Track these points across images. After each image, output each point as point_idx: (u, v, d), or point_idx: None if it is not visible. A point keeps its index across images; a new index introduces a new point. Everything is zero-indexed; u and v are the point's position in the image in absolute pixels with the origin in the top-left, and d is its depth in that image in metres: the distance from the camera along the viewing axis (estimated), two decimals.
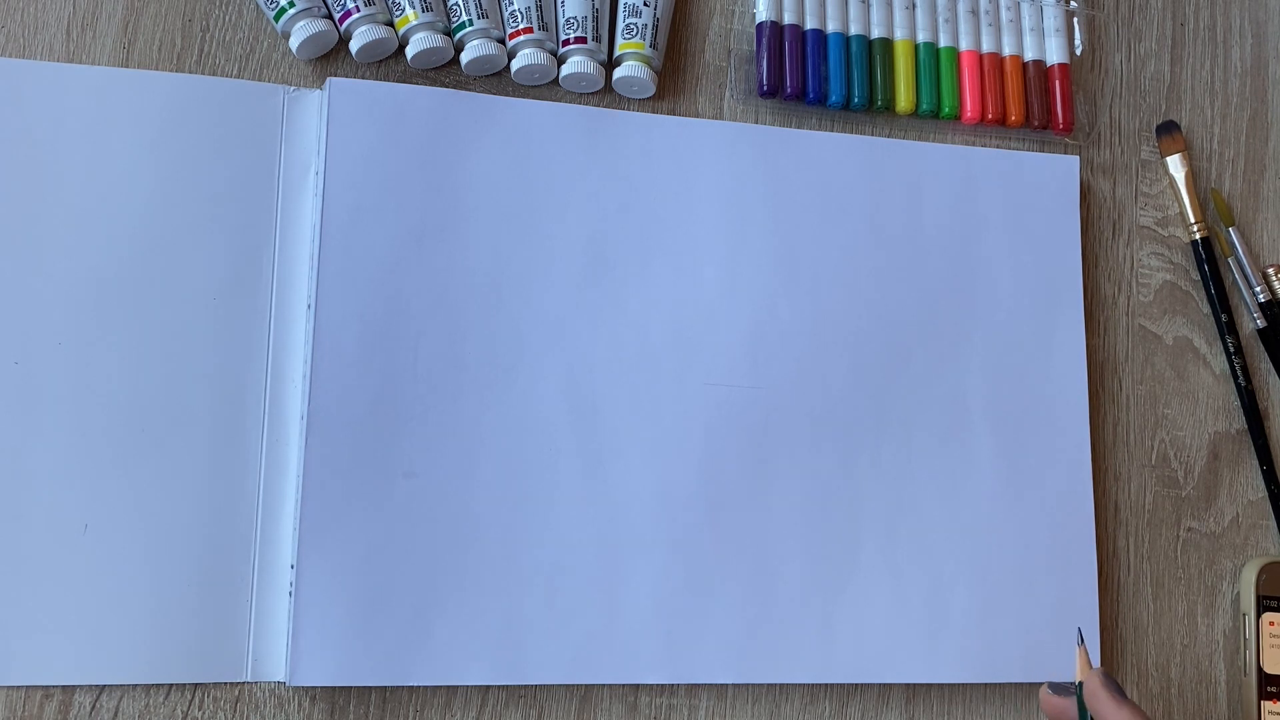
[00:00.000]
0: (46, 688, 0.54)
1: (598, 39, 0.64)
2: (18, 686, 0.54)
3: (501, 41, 0.63)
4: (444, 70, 0.64)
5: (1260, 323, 0.71)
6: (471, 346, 0.60)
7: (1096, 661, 0.64)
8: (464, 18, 0.62)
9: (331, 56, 0.63)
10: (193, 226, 0.59)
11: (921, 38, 0.69)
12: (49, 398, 0.56)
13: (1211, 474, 0.69)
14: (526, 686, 0.59)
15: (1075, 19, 0.72)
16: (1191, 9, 0.76)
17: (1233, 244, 0.72)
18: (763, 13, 0.67)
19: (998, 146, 0.70)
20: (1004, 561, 0.64)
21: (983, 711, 0.64)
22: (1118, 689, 0.50)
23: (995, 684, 0.63)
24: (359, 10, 0.61)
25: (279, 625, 0.56)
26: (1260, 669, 0.66)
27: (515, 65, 0.63)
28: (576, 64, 0.64)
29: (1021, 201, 0.68)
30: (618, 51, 0.65)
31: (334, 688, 0.57)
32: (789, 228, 0.65)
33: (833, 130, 0.68)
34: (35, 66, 0.59)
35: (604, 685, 0.60)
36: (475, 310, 0.60)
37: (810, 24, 0.67)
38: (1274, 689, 0.65)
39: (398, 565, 0.57)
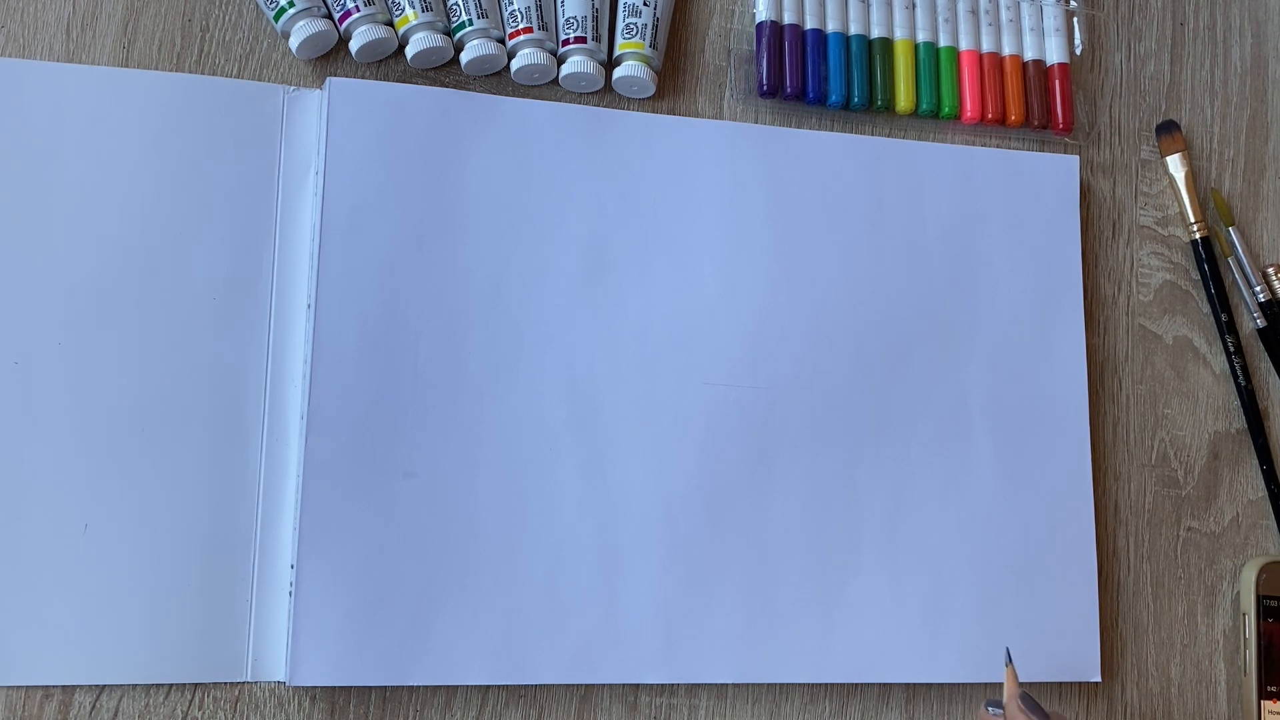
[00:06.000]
0: (46, 688, 0.54)
1: (597, 39, 0.64)
2: (18, 686, 0.54)
3: (501, 41, 0.63)
4: (444, 70, 0.64)
5: (1260, 322, 0.71)
6: (471, 347, 0.60)
7: (1098, 664, 0.64)
8: (464, 17, 0.62)
9: (331, 56, 0.63)
10: (193, 226, 0.59)
11: (921, 37, 0.69)
12: (49, 398, 0.56)
13: (1211, 474, 0.69)
14: (526, 686, 0.59)
15: (1075, 19, 0.72)
16: (1191, 9, 0.76)
17: (1233, 243, 0.72)
18: (763, 12, 0.67)
19: (998, 146, 0.70)
20: (1004, 561, 0.64)
21: None
22: (1035, 707, 0.54)
23: (995, 684, 0.63)
24: (359, 10, 0.61)
25: (279, 625, 0.56)
26: (1260, 669, 0.65)
27: (515, 65, 0.63)
28: (576, 64, 0.64)
29: (1021, 201, 0.68)
30: (617, 51, 0.65)
31: (334, 688, 0.57)
32: (789, 228, 0.65)
33: (833, 130, 0.68)
34: (35, 66, 0.59)
35: (604, 685, 0.60)
36: (475, 310, 0.60)
37: (810, 24, 0.67)
38: (1274, 689, 0.65)
39: (398, 565, 0.57)
